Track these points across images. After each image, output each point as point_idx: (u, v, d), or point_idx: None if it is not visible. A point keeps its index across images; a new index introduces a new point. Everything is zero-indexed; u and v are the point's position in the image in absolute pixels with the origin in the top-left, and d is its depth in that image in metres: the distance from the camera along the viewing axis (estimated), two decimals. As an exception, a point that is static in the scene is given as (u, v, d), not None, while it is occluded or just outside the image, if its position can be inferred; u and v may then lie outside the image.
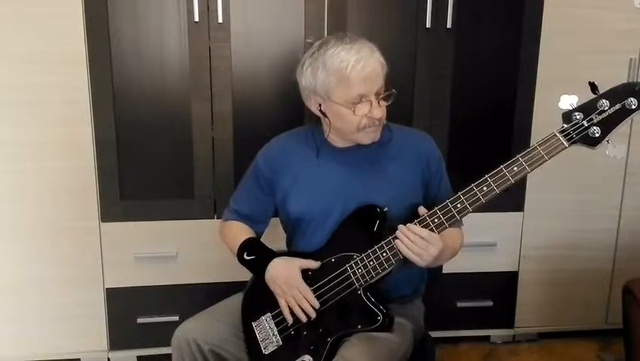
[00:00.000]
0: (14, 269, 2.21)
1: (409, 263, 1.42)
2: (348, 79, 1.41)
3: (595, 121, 1.29)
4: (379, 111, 1.45)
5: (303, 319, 1.48)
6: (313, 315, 1.47)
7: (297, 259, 1.52)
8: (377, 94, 1.45)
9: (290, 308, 1.49)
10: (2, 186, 2.14)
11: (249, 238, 1.62)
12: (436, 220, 1.39)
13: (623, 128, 1.29)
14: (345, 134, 1.51)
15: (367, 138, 1.50)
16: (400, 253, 1.40)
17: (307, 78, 1.48)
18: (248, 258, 1.58)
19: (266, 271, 1.53)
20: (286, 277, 1.49)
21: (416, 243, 1.38)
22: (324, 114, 1.50)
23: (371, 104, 1.44)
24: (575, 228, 2.44)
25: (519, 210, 2.39)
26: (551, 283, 2.49)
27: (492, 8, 2.21)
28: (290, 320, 1.50)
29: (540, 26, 2.22)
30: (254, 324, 1.55)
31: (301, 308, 1.48)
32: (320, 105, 1.50)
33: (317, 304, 1.47)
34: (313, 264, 1.50)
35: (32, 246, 2.19)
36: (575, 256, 2.47)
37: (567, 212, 2.42)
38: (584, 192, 2.41)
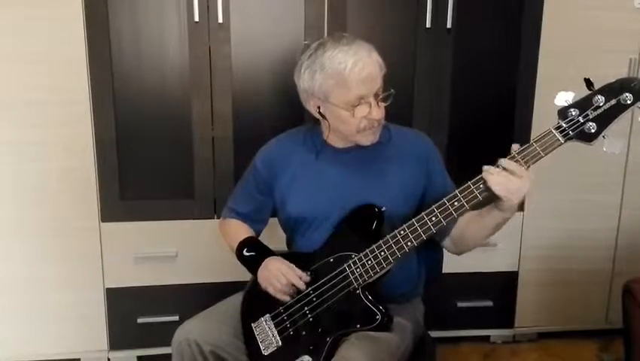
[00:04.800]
0: (14, 269, 2.21)
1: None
2: (347, 81, 1.41)
3: (590, 117, 1.29)
4: (379, 112, 1.45)
5: (300, 285, 1.48)
6: (302, 285, 1.48)
7: (293, 265, 1.51)
8: (376, 95, 1.44)
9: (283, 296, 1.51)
10: (3, 186, 2.14)
11: (250, 237, 1.64)
12: (433, 219, 1.39)
13: (619, 124, 1.29)
14: (345, 135, 1.52)
15: (367, 139, 1.50)
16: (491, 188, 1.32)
17: (305, 81, 1.47)
18: (248, 254, 1.59)
19: (260, 266, 1.54)
20: (274, 266, 1.51)
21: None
22: (323, 116, 1.50)
23: (370, 105, 1.43)
24: (575, 228, 2.44)
25: (519, 210, 2.39)
26: (551, 283, 2.49)
27: (492, 8, 2.21)
28: (285, 298, 1.51)
29: (540, 26, 2.22)
30: (253, 325, 1.55)
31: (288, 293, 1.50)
32: (319, 107, 1.49)
33: (305, 277, 1.48)
34: (304, 277, 1.50)
35: (32, 246, 2.20)
36: (575, 256, 2.47)
37: (567, 212, 2.42)
38: (584, 192, 2.41)
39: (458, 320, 2.47)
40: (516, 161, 1.33)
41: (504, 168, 1.33)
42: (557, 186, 2.39)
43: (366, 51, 1.43)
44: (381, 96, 1.45)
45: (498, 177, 1.33)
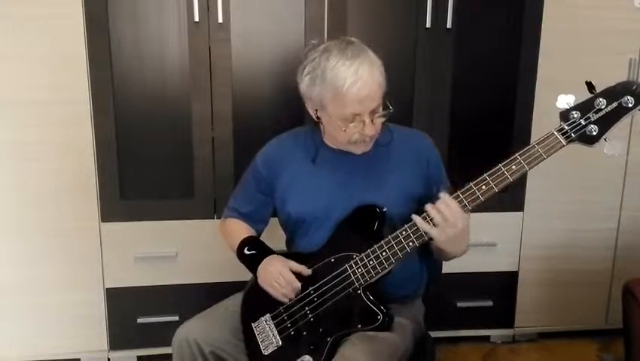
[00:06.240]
0: (14, 269, 2.21)
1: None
2: (344, 98, 1.40)
3: (592, 119, 1.30)
4: (372, 129, 1.44)
5: (287, 299, 1.50)
6: (292, 295, 1.50)
7: (291, 261, 1.52)
8: (372, 112, 1.43)
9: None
10: (2, 186, 2.14)
11: (251, 236, 1.64)
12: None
13: (620, 126, 1.30)
14: (338, 142, 1.52)
15: (358, 149, 1.51)
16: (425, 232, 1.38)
17: (306, 85, 1.47)
18: (249, 253, 1.59)
19: (260, 265, 1.54)
20: (274, 268, 1.51)
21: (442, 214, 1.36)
22: (320, 119, 1.50)
23: (364, 123, 1.43)
24: (575, 228, 2.44)
25: (519, 210, 2.39)
26: (551, 283, 2.49)
27: (492, 8, 2.22)
28: (284, 299, 1.52)
29: (540, 26, 2.22)
30: (253, 325, 1.55)
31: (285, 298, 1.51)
32: (316, 111, 1.50)
33: (298, 285, 1.49)
34: (305, 270, 1.50)
35: (32, 246, 2.20)
36: (575, 256, 2.47)
37: (567, 212, 2.42)
38: (584, 192, 2.41)
39: (458, 320, 2.47)
40: (460, 201, 1.37)
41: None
42: (557, 187, 2.39)
43: (368, 69, 1.40)
44: (377, 114, 1.45)
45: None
